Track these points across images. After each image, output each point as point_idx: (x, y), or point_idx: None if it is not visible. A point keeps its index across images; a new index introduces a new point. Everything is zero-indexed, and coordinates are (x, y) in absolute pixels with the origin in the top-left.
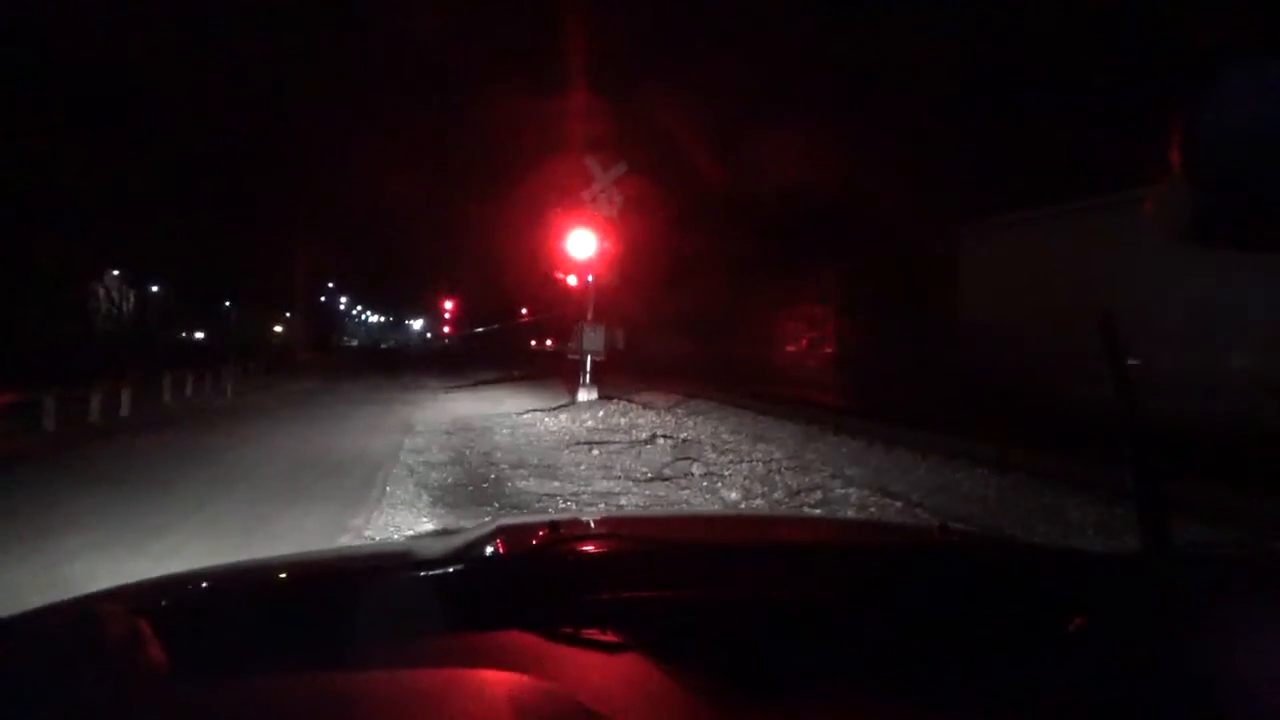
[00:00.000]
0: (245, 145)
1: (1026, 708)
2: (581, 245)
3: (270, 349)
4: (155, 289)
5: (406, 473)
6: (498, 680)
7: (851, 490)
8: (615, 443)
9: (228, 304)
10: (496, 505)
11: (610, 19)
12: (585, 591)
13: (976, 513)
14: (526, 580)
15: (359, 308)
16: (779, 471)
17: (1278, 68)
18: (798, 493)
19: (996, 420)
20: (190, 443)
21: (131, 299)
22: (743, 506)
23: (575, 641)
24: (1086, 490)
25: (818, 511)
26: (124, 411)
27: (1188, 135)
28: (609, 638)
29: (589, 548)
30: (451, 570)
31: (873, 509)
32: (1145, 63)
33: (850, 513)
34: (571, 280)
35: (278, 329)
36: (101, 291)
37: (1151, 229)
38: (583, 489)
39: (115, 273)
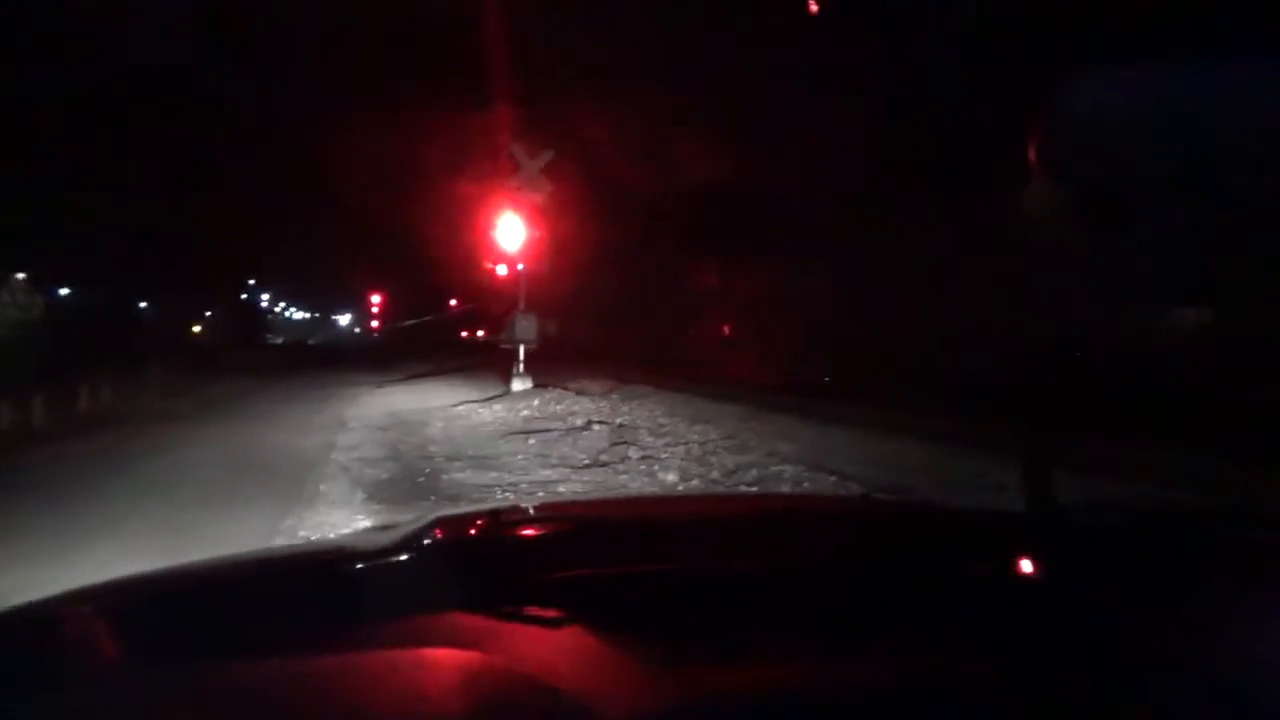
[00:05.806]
0: (165, 145)
1: (934, 664)
2: (511, 233)
3: (192, 348)
4: (65, 291)
5: (340, 470)
6: (445, 658)
7: (786, 467)
8: (552, 431)
9: (144, 304)
10: (433, 498)
11: (534, 20)
12: (526, 572)
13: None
14: (468, 565)
15: (282, 304)
16: (715, 452)
17: (1122, 73)
18: (734, 472)
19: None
20: (111, 451)
21: (40, 303)
22: (680, 488)
23: (520, 618)
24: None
25: (754, 489)
26: (36, 420)
27: (1043, 134)
28: (552, 613)
29: (528, 532)
30: (392, 560)
31: (806, 483)
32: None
33: (785, 488)
34: (501, 270)
35: (196, 329)
36: (6, 296)
37: (1027, 222)
38: (521, 478)
39: (20, 276)
